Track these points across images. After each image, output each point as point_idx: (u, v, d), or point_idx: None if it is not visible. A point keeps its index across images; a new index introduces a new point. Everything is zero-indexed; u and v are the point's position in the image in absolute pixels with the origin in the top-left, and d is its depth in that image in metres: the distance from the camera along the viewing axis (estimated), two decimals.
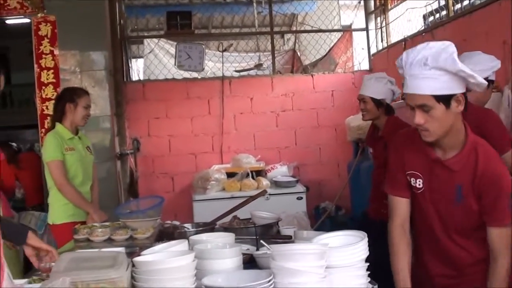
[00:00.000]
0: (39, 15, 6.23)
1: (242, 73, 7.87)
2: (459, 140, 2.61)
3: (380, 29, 7.67)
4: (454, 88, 2.45)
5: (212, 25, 9.71)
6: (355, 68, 8.07)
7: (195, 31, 7.68)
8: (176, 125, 7.34)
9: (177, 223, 4.15)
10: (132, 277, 2.19)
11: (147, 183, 7.21)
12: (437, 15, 6.14)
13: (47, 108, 6.15)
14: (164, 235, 3.74)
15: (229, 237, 2.78)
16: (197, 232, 3.69)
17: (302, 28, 9.71)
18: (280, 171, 7.06)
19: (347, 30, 8.56)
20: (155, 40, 8.27)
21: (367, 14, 8.00)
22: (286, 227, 3.97)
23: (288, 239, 3.53)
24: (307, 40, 8.37)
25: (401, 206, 2.84)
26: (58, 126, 4.65)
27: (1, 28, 7.93)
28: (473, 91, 3.40)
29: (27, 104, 13.73)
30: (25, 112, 13.08)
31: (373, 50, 7.82)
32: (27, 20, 6.38)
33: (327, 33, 8.38)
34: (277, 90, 7.53)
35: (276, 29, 8.23)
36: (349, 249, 2.39)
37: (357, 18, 8.55)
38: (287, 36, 10.50)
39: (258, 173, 6.86)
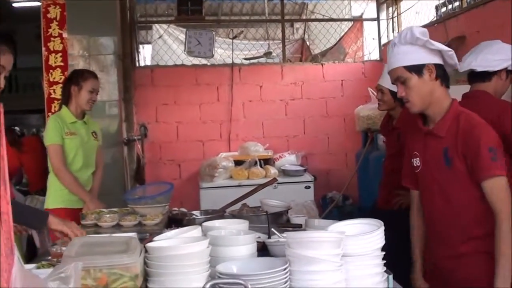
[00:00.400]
0: None
1: (251, 61, 7.80)
2: (442, 109, 2.82)
3: (391, 19, 7.59)
4: (422, 58, 2.75)
5: (222, 13, 9.63)
6: (365, 58, 8.00)
7: (205, 18, 7.59)
8: (184, 111, 7.28)
9: (184, 210, 4.13)
10: (145, 263, 2.15)
11: (153, 169, 7.17)
12: (450, 6, 6.05)
13: (54, 92, 6.09)
14: (173, 221, 3.71)
15: (243, 224, 2.73)
16: (206, 219, 3.66)
17: (313, 17, 9.62)
18: (288, 160, 7.02)
19: (358, 19, 8.47)
20: (164, 26, 8.20)
21: (379, 4, 7.91)
22: (296, 216, 3.94)
23: (298, 228, 3.49)
24: (318, 29, 8.27)
25: (416, 196, 3.08)
26: (63, 109, 4.56)
27: (7, 11, 7.87)
28: (492, 83, 3.39)
29: (33, 89, 13.69)
30: (30, 97, 13.03)
31: (384, 40, 7.73)
32: (34, 4, 6.32)
33: (338, 23, 8.29)
34: (286, 78, 7.46)
35: (286, 17, 8.14)
36: (365, 237, 2.35)
37: (368, 8, 8.48)
38: (296, 25, 10.42)
39: (266, 162, 6.82)
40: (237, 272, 2.20)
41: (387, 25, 7.68)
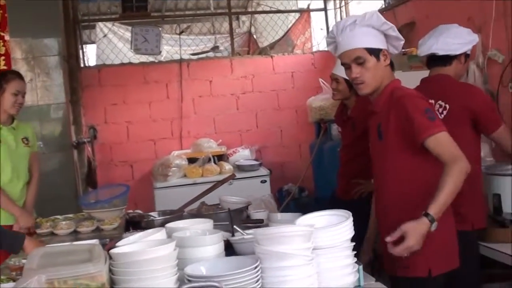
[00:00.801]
0: None
1: (200, 56, 7.71)
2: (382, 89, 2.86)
3: (339, 9, 7.59)
4: (380, 43, 2.78)
5: (167, 9, 9.48)
6: (314, 49, 7.98)
7: (151, 14, 7.46)
8: (134, 111, 7.13)
9: (140, 212, 4.04)
10: (110, 271, 2.05)
11: (105, 172, 7.00)
12: None
13: None
14: (131, 224, 3.62)
15: (207, 223, 2.65)
16: (165, 220, 3.58)
17: (259, 9, 9.57)
18: (242, 155, 6.97)
19: (305, 10, 8.45)
20: (109, 25, 8.02)
21: None
22: (256, 211, 3.90)
23: (260, 223, 3.45)
24: (266, 21, 8.23)
25: None
26: None
27: None
28: (453, 67, 3.43)
29: None
30: None
31: None
32: None
33: (285, 14, 8.26)
34: (236, 72, 7.39)
35: (232, 10, 8.07)
36: (335, 229, 2.32)
37: None
38: (242, 18, 10.36)
39: (220, 158, 6.75)
40: (206, 273, 2.13)
41: (335, 15, 7.68)
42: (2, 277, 2.45)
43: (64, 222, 3.54)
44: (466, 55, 3.47)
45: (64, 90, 6.22)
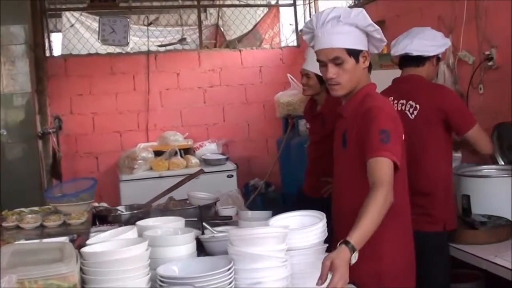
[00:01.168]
0: None
1: (168, 48, 7.64)
2: (355, 92, 2.72)
3: (308, 5, 7.59)
4: (361, 44, 2.64)
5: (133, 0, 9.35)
6: (282, 44, 7.98)
7: (119, 4, 7.36)
8: (100, 102, 7.04)
9: (105, 205, 3.98)
10: (81, 270, 2.02)
11: (70, 163, 6.91)
12: None
13: None
14: (98, 219, 3.57)
15: (179, 221, 2.62)
16: (132, 215, 3.54)
17: (228, 2, 9.51)
18: (209, 149, 6.95)
19: (274, 5, 8.44)
20: (76, 15, 7.89)
21: None
22: (224, 208, 3.88)
23: (228, 220, 3.43)
24: (235, 15, 8.19)
25: None
26: None
27: None
28: (425, 68, 3.46)
29: None
30: None
31: (301, 26, 7.70)
32: None
33: (254, 8, 8.23)
34: (204, 65, 7.34)
35: (201, 3, 8.02)
36: (309, 230, 2.33)
37: None
38: (210, 10, 10.29)
39: (187, 151, 6.72)
40: (179, 274, 2.11)
41: (304, 11, 7.68)
42: None
43: (30, 216, 3.45)
44: (437, 58, 3.52)
45: (30, 79, 6.08)
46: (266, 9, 8.42)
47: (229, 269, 2.07)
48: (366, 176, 2.47)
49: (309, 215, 2.46)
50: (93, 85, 7.01)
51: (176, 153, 6.52)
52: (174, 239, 2.34)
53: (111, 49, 7.33)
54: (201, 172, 4.29)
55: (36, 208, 3.73)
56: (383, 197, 2.33)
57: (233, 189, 5.72)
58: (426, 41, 3.41)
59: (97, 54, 7.22)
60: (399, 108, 3.38)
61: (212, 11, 9.49)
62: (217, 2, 9.76)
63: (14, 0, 5.83)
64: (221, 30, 9.15)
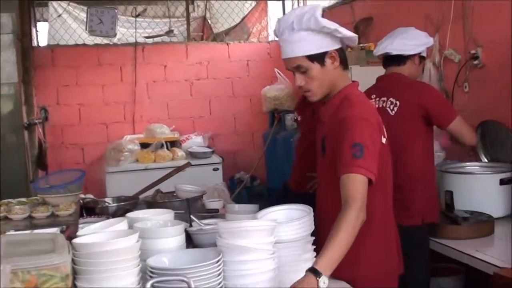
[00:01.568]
0: None
1: (155, 39, 7.64)
2: (335, 92, 2.62)
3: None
4: (324, 46, 2.51)
5: None
6: (270, 38, 8.00)
7: None
8: (87, 93, 7.03)
9: (91, 196, 4.00)
10: (72, 260, 2.05)
11: (56, 154, 6.90)
12: None
13: None
14: (85, 210, 3.59)
15: (169, 214, 2.66)
16: (119, 207, 3.57)
17: None
18: (195, 142, 6.98)
19: None
20: (64, 4, 7.86)
21: None
22: (211, 201, 3.92)
23: (215, 213, 3.47)
24: (223, 8, 8.21)
25: None
26: None
27: None
28: (407, 67, 3.53)
29: None
30: None
31: None
32: None
33: (242, 1, 8.24)
34: (191, 58, 7.35)
35: None
36: (297, 223, 2.37)
37: None
38: (197, 2, 10.28)
39: (173, 144, 6.75)
40: (169, 265, 2.14)
41: (292, 5, 7.68)
42: None
43: (18, 207, 3.47)
44: (421, 57, 3.59)
45: (17, 69, 6.06)
46: (254, 3, 8.42)
47: (218, 261, 2.10)
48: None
49: (296, 209, 2.50)
50: (80, 76, 6.99)
51: (162, 145, 6.55)
52: (164, 231, 2.37)
53: (98, 40, 7.30)
54: (188, 165, 4.32)
55: (24, 199, 3.74)
56: (354, 216, 2.26)
57: (219, 183, 5.77)
58: (407, 41, 3.50)
59: (84, 45, 7.22)
60: (380, 105, 3.47)
61: (200, 3, 9.47)
62: None
63: None
64: (208, 22, 9.14)
